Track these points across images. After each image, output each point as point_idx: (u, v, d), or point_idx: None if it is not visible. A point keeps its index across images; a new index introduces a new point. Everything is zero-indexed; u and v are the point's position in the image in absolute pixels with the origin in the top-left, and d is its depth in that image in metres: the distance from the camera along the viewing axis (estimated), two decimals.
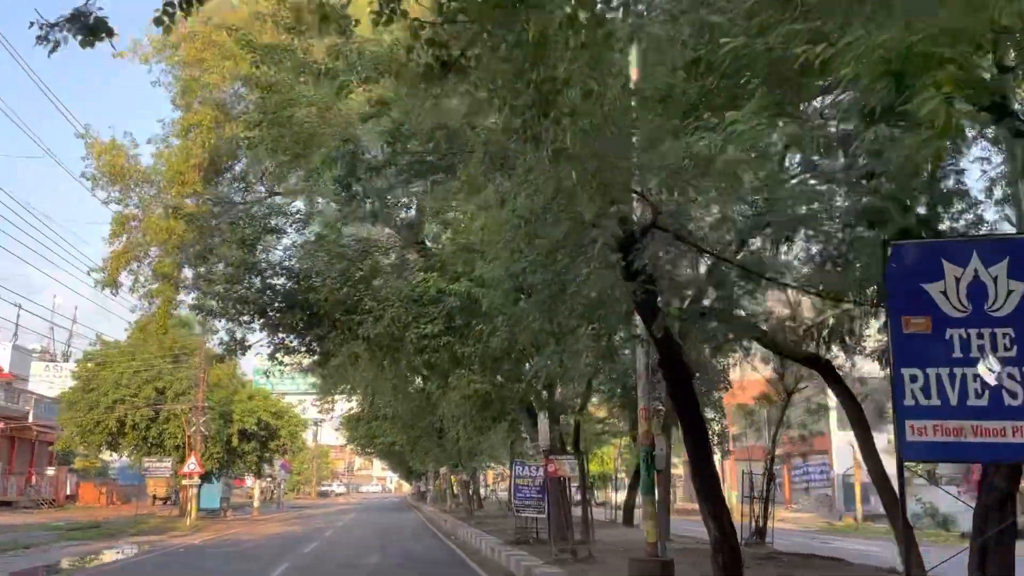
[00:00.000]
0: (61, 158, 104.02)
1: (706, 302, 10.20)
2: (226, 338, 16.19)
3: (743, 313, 10.90)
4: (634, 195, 7.89)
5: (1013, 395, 5.60)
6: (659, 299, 8.96)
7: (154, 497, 46.75)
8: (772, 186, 7.48)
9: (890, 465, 12.62)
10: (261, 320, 15.19)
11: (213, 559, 19.65)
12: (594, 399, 22.23)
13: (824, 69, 4.60)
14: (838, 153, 7.52)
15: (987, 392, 5.68)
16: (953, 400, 5.76)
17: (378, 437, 41.92)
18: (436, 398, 20.34)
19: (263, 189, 17.51)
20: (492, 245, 9.30)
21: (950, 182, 8.71)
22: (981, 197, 9.37)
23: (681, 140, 5.71)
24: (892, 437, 6.03)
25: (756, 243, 9.28)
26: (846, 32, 4.43)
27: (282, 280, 15.16)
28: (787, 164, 8.43)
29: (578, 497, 20.07)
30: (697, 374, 13.23)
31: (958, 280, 5.89)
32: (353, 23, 5.61)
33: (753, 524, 18.59)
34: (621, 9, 5.78)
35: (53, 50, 4.74)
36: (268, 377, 21.00)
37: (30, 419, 42.34)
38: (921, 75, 4.13)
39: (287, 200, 16.52)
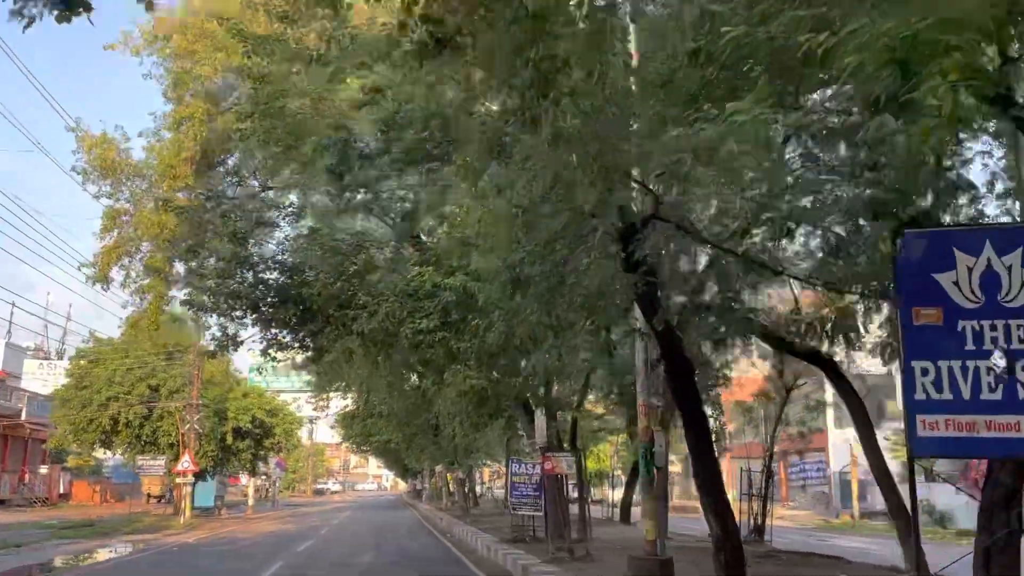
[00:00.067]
0: (52, 152, 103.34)
1: (707, 296, 10.02)
2: (218, 334, 16.04)
3: (744, 307, 10.71)
4: (635, 185, 7.70)
5: None
6: (660, 291, 8.78)
7: (148, 495, 46.49)
8: (773, 177, 7.31)
9: (891, 461, 12.55)
10: (254, 315, 15.01)
11: (207, 558, 19.46)
12: (591, 395, 22.03)
13: (827, 58, 4.48)
14: (840, 145, 7.36)
15: (1001, 386, 5.50)
16: (966, 394, 5.58)
17: (373, 435, 41.71)
18: (431, 395, 20.18)
19: (256, 184, 17.29)
20: (489, 236, 9.12)
21: (954, 174, 8.53)
22: (983, 191, 9.23)
23: (683, 129, 5.57)
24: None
25: (758, 236, 9.10)
26: (849, 20, 4.30)
27: (275, 274, 14.99)
28: (788, 156, 8.27)
29: (575, 495, 19.89)
30: (696, 370, 13.04)
31: (970, 270, 5.70)
32: (345, 3, 5.42)
33: (751, 521, 18.43)
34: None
35: (28, 25, 4.53)
36: (261, 374, 20.83)
37: (23, 417, 42.13)
38: (927, 63, 4.06)
39: (280, 194, 16.32)
